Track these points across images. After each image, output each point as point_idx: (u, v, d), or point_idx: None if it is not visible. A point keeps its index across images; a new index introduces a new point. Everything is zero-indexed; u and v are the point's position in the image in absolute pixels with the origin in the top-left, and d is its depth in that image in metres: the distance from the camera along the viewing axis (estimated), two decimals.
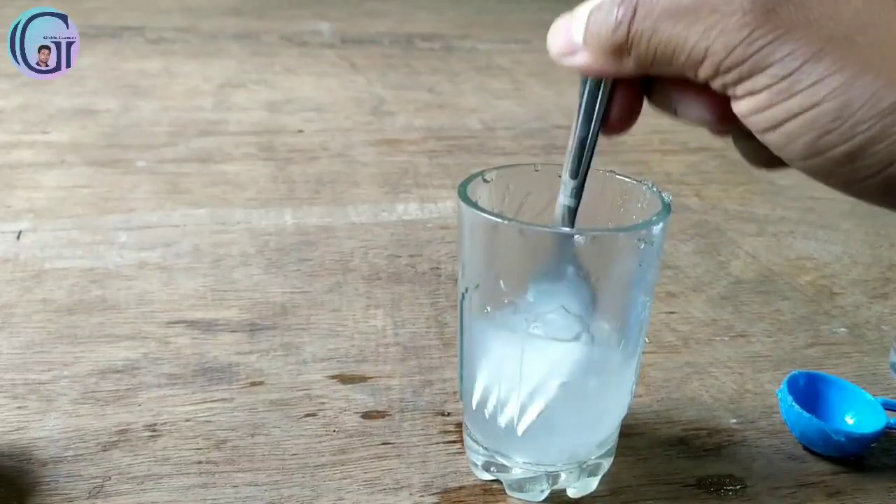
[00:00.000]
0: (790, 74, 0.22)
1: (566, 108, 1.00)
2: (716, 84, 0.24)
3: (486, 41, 1.40)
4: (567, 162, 0.30)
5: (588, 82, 0.28)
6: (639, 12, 0.24)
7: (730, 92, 0.24)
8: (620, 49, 0.25)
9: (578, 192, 0.31)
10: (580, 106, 0.29)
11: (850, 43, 0.21)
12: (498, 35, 1.47)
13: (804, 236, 0.65)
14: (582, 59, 0.26)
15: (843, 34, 0.22)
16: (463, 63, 1.23)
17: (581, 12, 0.26)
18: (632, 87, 0.28)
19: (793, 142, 0.23)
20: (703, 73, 0.24)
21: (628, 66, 0.25)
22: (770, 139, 0.23)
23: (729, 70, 0.23)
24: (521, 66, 1.23)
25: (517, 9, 1.71)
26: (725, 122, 0.26)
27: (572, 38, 0.26)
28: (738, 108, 0.24)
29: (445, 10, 1.69)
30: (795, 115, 0.22)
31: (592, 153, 0.30)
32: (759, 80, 0.23)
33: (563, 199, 0.31)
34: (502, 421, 0.34)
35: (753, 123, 0.24)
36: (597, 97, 0.28)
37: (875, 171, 0.22)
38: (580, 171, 0.30)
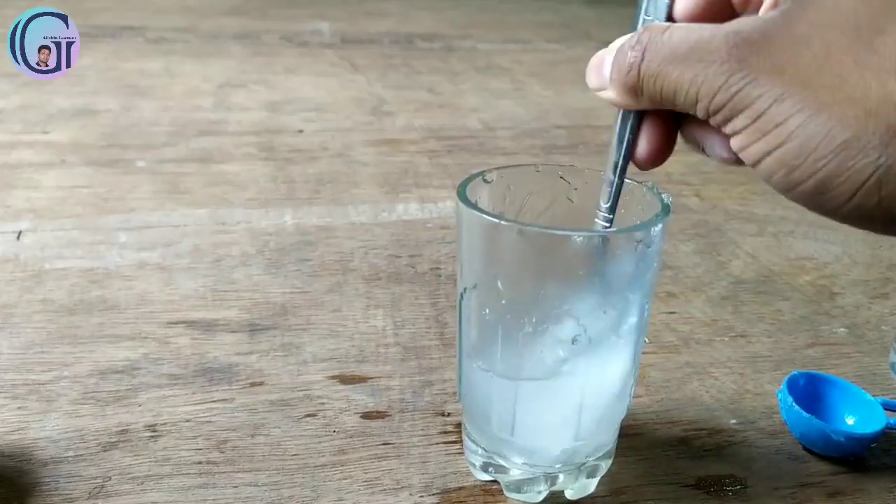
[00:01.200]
0: (761, 116, 0.24)
1: (566, 108, 1.00)
2: (711, 123, 0.26)
3: (486, 41, 1.40)
4: (603, 189, 0.32)
5: (620, 113, 0.30)
6: (646, 56, 0.26)
7: (722, 130, 0.26)
8: (634, 88, 0.27)
9: (611, 214, 0.32)
10: (615, 135, 0.30)
11: (807, 87, 0.23)
12: (498, 35, 1.47)
13: (804, 236, 0.65)
14: (610, 94, 0.29)
15: (801, 79, 0.24)
16: (463, 63, 1.23)
17: (613, 47, 0.28)
18: (662, 122, 0.30)
19: (771, 176, 0.25)
20: (700, 113, 0.26)
21: (644, 102, 0.28)
22: (757, 172, 0.26)
23: (716, 112, 0.25)
24: (521, 66, 1.23)
25: (517, 9, 1.71)
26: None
27: (603, 73, 0.29)
28: (731, 144, 0.26)
29: (445, 10, 1.69)
30: (768, 153, 0.24)
31: (623, 180, 0.31)
32: (739, 122, 0.25)
33: (599, 222, 0.32)
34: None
35: (743, 158, 0.26)
36: (626, 128, 0.30)
37: (844, 201, 0.24)
38: (612, 196, 0.31)
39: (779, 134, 0.24)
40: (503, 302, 0.32)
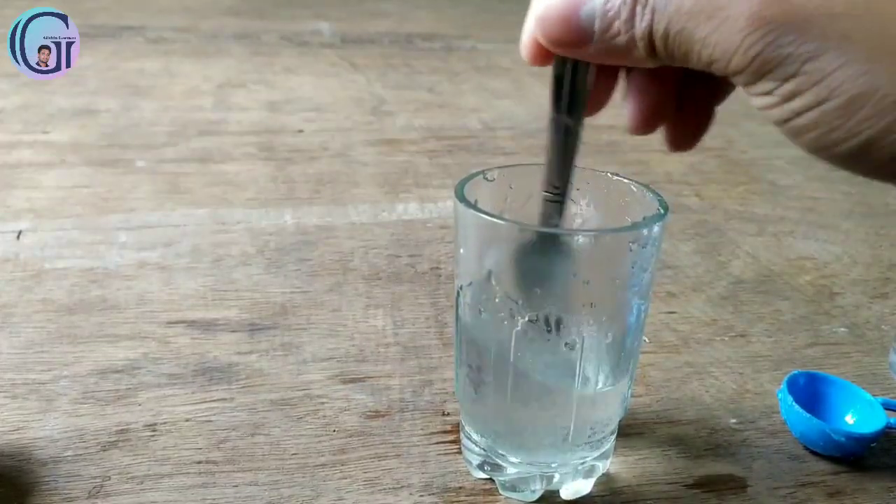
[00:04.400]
0: (792, 77, 0.22)
1: None
2: (735, 83, 0.24)
3: (486, 41, 1.40)
4: (549, 162, 0.30)
5: (568, 78, 0.27)
6: (655, 17, 0.23)
7: (744, 91, 0.24)
8: (649, 50, 0.24)
9: (563, 197, 0.30)
10: (561, 97, 0.28)
11: (848, 38, 0.21)
12: (498, 35, 1.47)
13: (804, 236, 0.65)
14: (595, 52, 0.25)
15: (839, 30, 0.21)
16: (463, 63, 1.23)
17: None
18: (613, 69, 0.28)
19: (803, 135, 0.23)
20: (718, 74, 0.24)
21: (652, 63, 0.25)
22: (784, 130, 0.24)
23: (736, 74, 0.23)
24: (521, 66, 1.23)
25: (517, 9, 1.70)
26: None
27: (581, 27, 0.25)
28: (753, 102, 0.24)
29: (445, 10, 1.69)
30: (802, 113, 0.22)
31: (578, 145, 0.29)
32: (765, 85, 0.23)
33: (550, 205, 0.31)
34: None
35: (768, 116, 0.24)
36: (579, 80, 0.27)
37: (885, 163, 0.22)
38: (564, 172, 0.30)
39: (818, 93, 0.21)
40: (497, 300, 0.32)
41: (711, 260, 0.60)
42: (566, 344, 0.32)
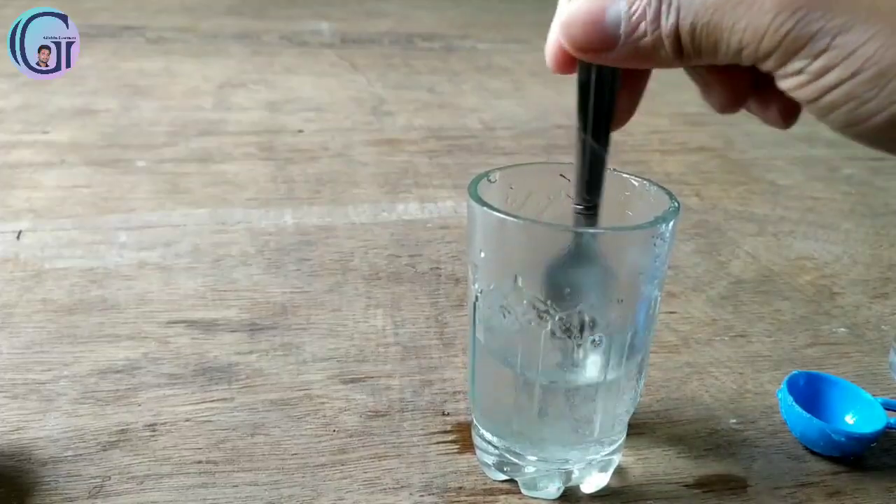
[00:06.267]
0: (822, 53, 0.22)
1: (566, 108, 1.00)
2: (762, 69, 0.24)
3: (486, 41, 1.40)
4: (578, 175, 0.30)
5: (594, 86, 0.27)
6: (681, 13, 0.24)
7: (774, 74, 0.24)
8: (676, 49, 0.24)
9: (596, 201, 0.31)
10: (588, 107, 0.28)
11: (875, 11, 0.22)
12: (498, 35, 1.47)
13: (804, 236, 0.65)
14: (620, 55, 0.25)
15: (867, 4, 0.22)
16: (463, 63, 1.23)
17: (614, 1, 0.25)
18: (637, 80, 0.28)
19: (833, 111, 0.23)
20: (746, 61, 0.24)
21: (674, 63, 0.25)
22: (813, 109, 0.24)
23: (767, 57, 0.23)
24: (521, 66, 1.23)
25: (517, 9, 1.71)
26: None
27: (606, 31, 0.25)
28: (781, 85, 0.24)
29: (445, 10, 1.69)
30: (834, 88, 0.22)
31: (608, 153, 0.30)
32: (795, 64, 0.23)
33: (581, 217, 0.31)
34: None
35: (797, 97, 0.24)
36: (604, 93, 0.28)
37: None
38: (596, 186, 0.30)
39: (848, 66, 0.22)
40: (524, 302, 0.32)
41: (711, 260, 0.60)
42: (593, 341, 0.32)
